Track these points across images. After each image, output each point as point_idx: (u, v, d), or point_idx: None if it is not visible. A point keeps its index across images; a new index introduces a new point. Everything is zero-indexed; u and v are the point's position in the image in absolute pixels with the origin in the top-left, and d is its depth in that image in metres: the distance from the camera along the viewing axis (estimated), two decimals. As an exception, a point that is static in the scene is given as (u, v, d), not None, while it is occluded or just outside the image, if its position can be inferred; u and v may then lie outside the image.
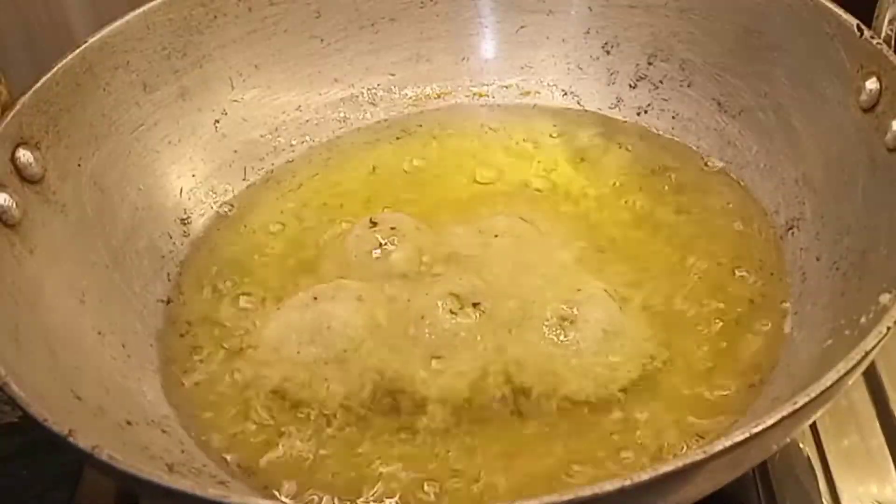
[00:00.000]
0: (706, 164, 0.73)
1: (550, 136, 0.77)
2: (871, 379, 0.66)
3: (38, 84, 0.64)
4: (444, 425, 0.59)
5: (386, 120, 0.79)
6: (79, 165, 0.66)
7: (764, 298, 0.64)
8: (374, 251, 0.68)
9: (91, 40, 0.68)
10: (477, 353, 0.61)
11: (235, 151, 0.76)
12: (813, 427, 0.64)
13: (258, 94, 0.77)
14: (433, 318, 0.62)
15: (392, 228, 0.69)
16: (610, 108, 0.78)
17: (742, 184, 0.71)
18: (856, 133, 0.62)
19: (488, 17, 0.80)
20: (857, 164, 0.62)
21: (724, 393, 0.59)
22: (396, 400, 0.60)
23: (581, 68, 0.79)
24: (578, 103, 0.79)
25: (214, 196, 0.74)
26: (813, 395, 0.46)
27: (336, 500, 0.56)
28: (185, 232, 0.72)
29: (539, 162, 0.75)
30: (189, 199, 0.73)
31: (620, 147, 0.75)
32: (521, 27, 0.80)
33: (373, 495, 0.56)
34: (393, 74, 0.80)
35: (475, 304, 0.63)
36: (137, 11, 0.71)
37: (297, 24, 0.77)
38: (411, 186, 0.74)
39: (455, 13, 0.80)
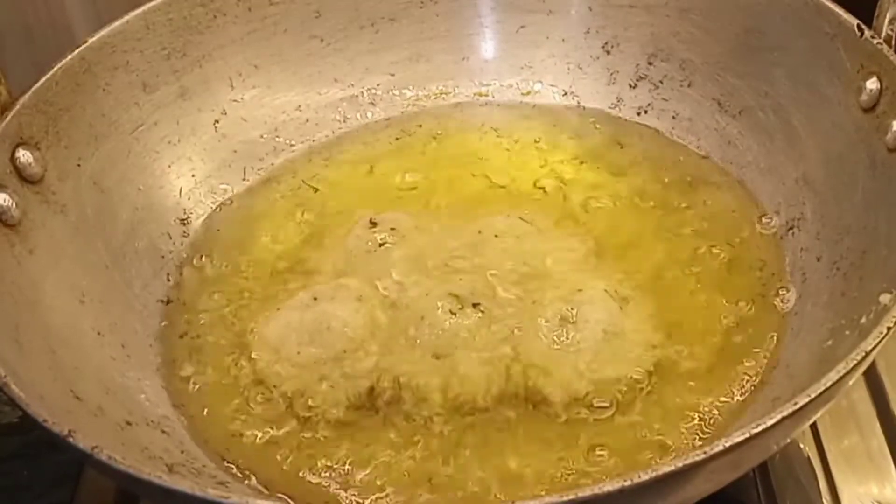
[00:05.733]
0: (706, 165, 0.73)
1: (550, 136, 0.77)
2: (872, 379, 0.66)
3: (38, 84, 0.64)
4: (443, 425, 0.59)
5: (386, 120, 0.79)
6: (78, 165, 0.66)
7: (764, 299, 0.64)
8: (374, 251, 0.68)
9: (91, 40, 0.68)
10: (477, 353, 0.61)
11: (235, 151, 0.76)
12: (813, 427, 0.64)
13: (258, 94, 0.77)
14: (433, 319, 0.62)
15: (392, 228, 0.69)
16: (610, 108, 0.78)
17: (742, 184, 0.71)
18: (856, 133, 0.62)
19: (488, 17, 0.80)
20: (858, 164, 0.62)
21: (725, 393, 0.59)
22: (396, 400, 0.60)
23: (581, 68, 0.79)
24: (578, 103, 0.79)
25: (214, 196, 0.74)
26: (813, 395, 0.46)
27: (336, 500, 0.56)
28: (184, 232, 0.72)
29: (539, 162, 0.75)
30: (189, 199, 0.73)
31: (621, 147, 0.75)
32: (521, 27, 0.80)
33: (372, 494, 0.56)
34: (393, 74, 0.80)
35: (475, 305, 0.63)
36: (137, 11, 0.71)
37: (297, 24, 0.77)
38: (411, 186, 0.74)
39: (455, 13, 0.80)
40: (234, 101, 0.76)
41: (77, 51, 0.67)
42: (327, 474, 0.57)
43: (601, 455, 0.56)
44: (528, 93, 0.80)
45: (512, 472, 0.56)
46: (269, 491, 0.57)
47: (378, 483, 0.56)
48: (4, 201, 0.60)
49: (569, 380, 0.59)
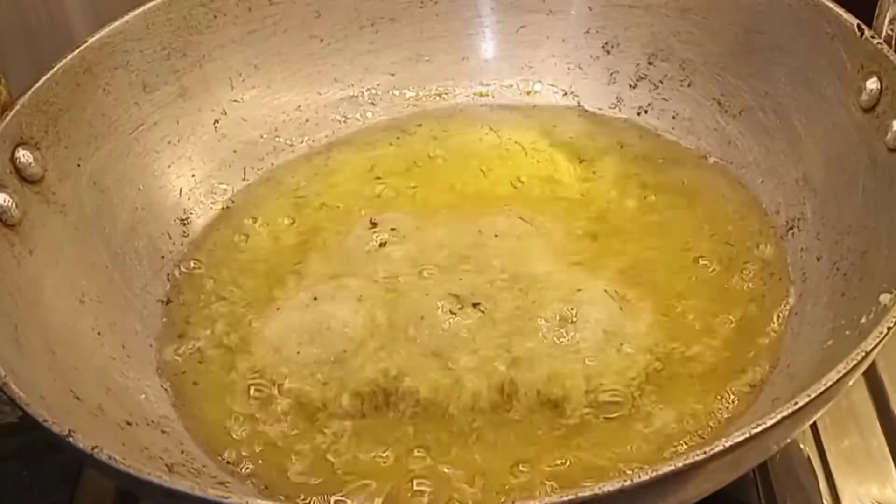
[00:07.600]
0: (706, 165, 0.73)
1: (550, 136, 0.77)
2: (872, 379, 0.66)
3: (38, 84, 0.64)
4: (443, 426, 0.59)
5: (386, 120, 0.79)
6: (78, 165, 0.66)
7: (764, 299, 0.64)
8: (374, 251, 0.68)
9: (91, 40, 0.68)
10: (476, 353, 0.61)
11: (235, 151, 0.76)
12: (813, 427, 0.64)
13: (258, 94, 0.77)
14: (433, 319, 0.62)
15: (392, 228, 0.69)
16: (610, 108, 0.78)
17: (742, 184, 0.71)
18: (856, 133, 0.62)
19: (488, 17, 0.80)
20: (858, 164, 0.62)
21: (725, 393, 0.59)
22: (395, 400, 0.60)
23: (581, 68, 0.79)
24: (578, 103, 0.79)
25: (214, 196, 0.74)
26: (813, 395, 0.46)
27: (335, 500, 0.56)
28: (184, 232, 0.72)
29: (539, 162, 0.75)
30: (189, 199, 0.73)
31: (621, 147, 0.75)
32: (521, 27, 0.80)
33: (371, 495, 0.56)
34: (393, 74, 0.80)
35: (475, 305, 0.63)
36: (137, 11, 0.71)
37: (297, 24, 0.77)
38: (411, 186, 0.74)
39: (455, 13, 0.80)
40: (234, 101, 0.76)
41: (77, 51, 0.67)
42: (327, 473, 0.57)
43: (599, 454, 0.56)
44: (529, 93, 0.80)
45: (511, 471, 0.56)
46: (270, 491, 0.57)
47: (378, 482, 0.56)
48: (4, 201, 0.60)
49: (568, 380, 0.59)
